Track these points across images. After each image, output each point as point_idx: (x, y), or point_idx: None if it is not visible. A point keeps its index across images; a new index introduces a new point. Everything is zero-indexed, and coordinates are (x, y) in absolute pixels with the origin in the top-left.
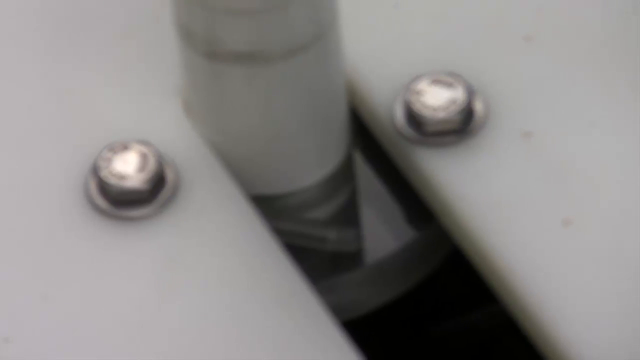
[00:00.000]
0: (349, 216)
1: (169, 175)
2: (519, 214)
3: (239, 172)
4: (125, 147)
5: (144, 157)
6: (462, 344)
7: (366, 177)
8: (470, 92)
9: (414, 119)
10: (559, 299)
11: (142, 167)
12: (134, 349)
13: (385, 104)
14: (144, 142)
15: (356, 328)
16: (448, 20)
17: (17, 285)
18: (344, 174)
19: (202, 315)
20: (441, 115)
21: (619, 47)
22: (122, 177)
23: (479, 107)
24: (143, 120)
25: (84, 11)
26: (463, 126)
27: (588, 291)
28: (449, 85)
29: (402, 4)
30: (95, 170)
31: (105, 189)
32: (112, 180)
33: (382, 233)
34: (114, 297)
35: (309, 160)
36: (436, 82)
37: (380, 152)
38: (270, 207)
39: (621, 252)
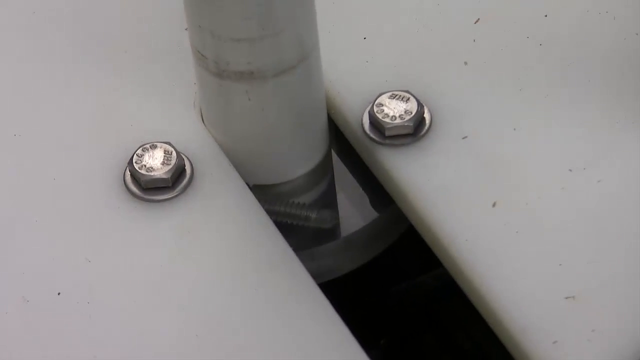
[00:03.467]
0: (327, 200)
1: (187, 168)
2: (457, 198)
3: (241, 166)
4: (153, 146)
5: (168, 154)
6: (415, 298)
7: (340, 171)
8: (421, 105)
9: (377, 125)
10: (488, 263)
11: (166, 162)
12: (157, 299)
13: (355, 114)
14: (168, 143)
15: (332, 288)
16: (404, 50)
17: (69, 250)
18: (324, 168)
19: (209, 272)
20: (398, 122)
21: (535, 71)
22: (150, 169)
23: (427, 116)
24: (167, 125)
25: (123, 39)
26: (415, 131)
27: (510, 256)
28: (404, 99)
29: (369, 37)
30: (130, 164)
31: (137, 178)
32: (143, 172)
33: (352, 213)
34: (142, 260)
35: (296, 157)
36: (394, 97)
37: (351, 151)
38: (265, 193)
39: (536, 225)
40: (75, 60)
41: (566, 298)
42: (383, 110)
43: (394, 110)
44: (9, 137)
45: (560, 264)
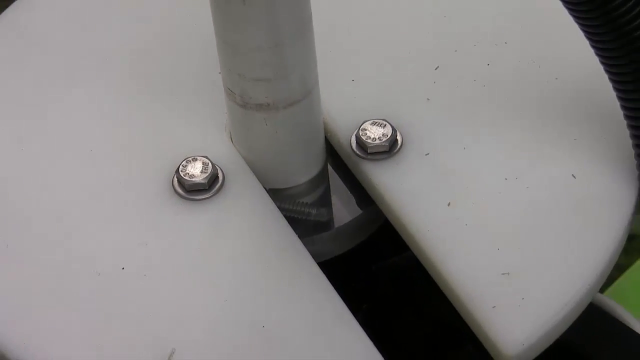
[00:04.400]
0: (323, 201)
1: (219, 176)
2: (421, 199)
3: (259, 174)
4: (194, 159)
5: (205, 165)
6: (390, 273)
7: (334, 179)
8: (394, 130)
9: (362, 145)
10: (444, 247)
11: (204, 171)
12: (197, 272)
13: (345, 136)
14: (205, 157)
15: (327, 266)
16: (382, 89)
17: (131, 236)
18: (322, 177)
19: (236, 252)
20: (377, 143)
21: (480, 105)
22: (192, 176)
23: (399, 138)
24: (205, 144)
25: (173, 79)
26: (390, 149)
27: (461, 242)
28: (382, 125)
29: (357, 79)
30: (177, 172)
31: (182, 183)
32: (187, 178)
33: (342, 210)
34: (186, 243)
35: (301, 168)
36: (375, 124)
37: (342, 164)
38: (278, 195)
39: (480, 220)
40: (139, 94)
41: (502, 274)
42: (366, 134)
43: (374, 133)
44: (87, 151)
45: (498, 249)
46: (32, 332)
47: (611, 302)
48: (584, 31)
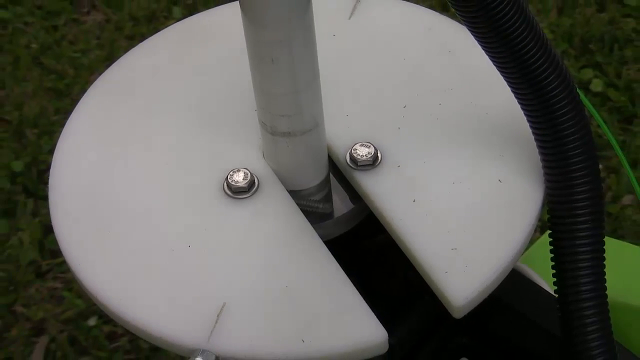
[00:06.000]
0: (327, 198)
1: (255, 182)
2: (394, 197)
3: (283, 181)
4: (238, 170)
5: (246, 174)
6: (374, 247)
7: (334, 183)
8: (376, 149)
9: (354, 159)
10: (411, 232)
11: (245, 178)
12: (240, 248)
13: (342, 153)
14: (246, 168)
15: (331, 244)
16: (367, 122)
17: (194, 223)
18: (326, 181)
19: (267, 234)
20: (364, 158)
21: (436, 131)
22: (236, 182)
23: (379, 155)
24: (246, 159)
25: (222, 114)
26: (373, 163)
27: (422, 227)
28: (367, 146)
29: (349, 114)
30: (226, 179)
31: (230, 186)
32: (233, 183)
33: (340, 205)
34: (232, 229)
35: (312, 176)
36: (362, 145)
37: (340, 173)
38: (296, 194)
39: (436, 212)
40: (200, 126)
41: (452, 249)
42: (357, 152)
43: (362, 152)
44: (161, 165)
45: (448, 231)
46: (126, 290)
47: (524, 266)
48: (504, 77)
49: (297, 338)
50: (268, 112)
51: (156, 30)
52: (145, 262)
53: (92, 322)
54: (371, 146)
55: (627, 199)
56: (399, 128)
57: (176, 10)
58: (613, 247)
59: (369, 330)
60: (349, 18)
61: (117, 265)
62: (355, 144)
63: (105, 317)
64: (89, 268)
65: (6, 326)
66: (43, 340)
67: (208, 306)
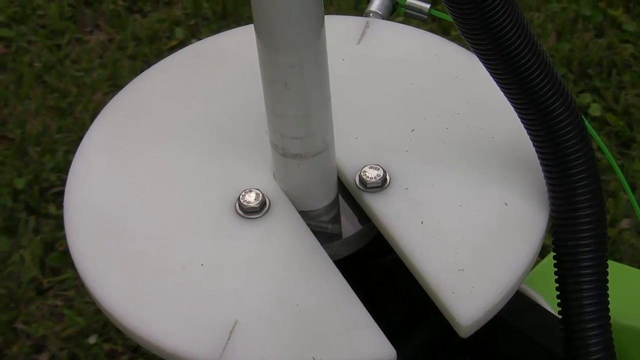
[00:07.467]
0: (336, 219)
1: (267, 202)
2: (403, 219)
3: (294, 201)
4: (250, 191)
5: (257, 195)
6: (382, 266)
7: (343, 205)
8: (385, 172)
9: (363, 181)
10: (419, 252)
11: (256, 199)
12: (250, 267)
13: (351, 175)
14: (257, 189)
15: (340, 263)
16: (376, 144)
17: (206, 242)
18: (335, 203)
19: (278, 254)
20: (373, 180)
21: (443, 155)
22: (248, 202)
23: (387, 178)
24: (257, 180)
25: (235, 137)
26: (382, 185)
27: (431, 249)
28: (377, 169)
29: (359, 138)
30: (238, 200)
31: (242, 206)
32: (245, 203)
33: (348, 226)
34: (244, 247)
35: (321, 197)
36: (372, 167)
37: (349, 194)
38: (306, 215)
39: (444, 234)
40: (213, 146)
41: (459, 270)
42: (366, 174)
43: (371, 174)
44: (176, 185)
45: (455, 253)
46: (141, 307)
47: (525, 287)
48: (510, 101)
49: (308, 355)
50: (280, 135)
51: (158, 50)
52: (159, 279)
53: (92, 340)
54: (380, 168)
55: (625, 223)
56: (407, 151)
57: (178, 31)
58: (613, 270)
59: (378, 348)
60: (358, 43)
61: (131, 282)
62: (365, 166)
63: (106, 335)
64: (104, 285)
65: (7, 343)
66: (43, 358)
67: (220, 323)
